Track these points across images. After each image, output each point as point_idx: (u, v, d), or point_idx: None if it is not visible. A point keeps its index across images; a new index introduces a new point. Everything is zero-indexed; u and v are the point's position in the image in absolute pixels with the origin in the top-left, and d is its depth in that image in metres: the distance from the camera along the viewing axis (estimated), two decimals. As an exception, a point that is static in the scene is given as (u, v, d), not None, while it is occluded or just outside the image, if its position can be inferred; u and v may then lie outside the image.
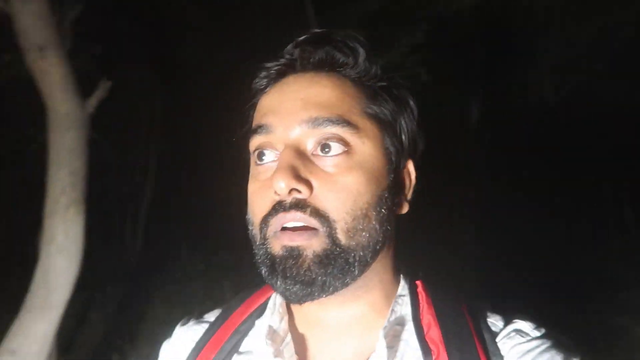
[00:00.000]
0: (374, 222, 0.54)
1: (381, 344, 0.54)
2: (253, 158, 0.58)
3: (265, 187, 0.55)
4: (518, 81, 7.89)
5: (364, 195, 0.54)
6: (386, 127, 0.58)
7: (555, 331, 0.59)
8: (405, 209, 0.61)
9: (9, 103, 5.96)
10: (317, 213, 0.52)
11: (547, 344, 0.55)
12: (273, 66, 0.60)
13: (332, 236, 0.52)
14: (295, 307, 0.60)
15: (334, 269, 0.52)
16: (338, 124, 0.54)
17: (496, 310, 0.60)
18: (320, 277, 0.52)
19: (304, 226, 0.53)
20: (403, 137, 0.60)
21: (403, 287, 0.60)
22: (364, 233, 0.53)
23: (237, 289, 6.74)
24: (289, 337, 0.59)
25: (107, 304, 6.55)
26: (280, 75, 0.60)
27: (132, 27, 6.38)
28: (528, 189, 7.47)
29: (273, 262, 0.53)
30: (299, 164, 0.53)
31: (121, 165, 8.51)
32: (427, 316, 0.57)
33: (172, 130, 8.70)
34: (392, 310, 0.57)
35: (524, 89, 7.99)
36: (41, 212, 4.28)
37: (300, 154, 0.54)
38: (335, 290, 0.53)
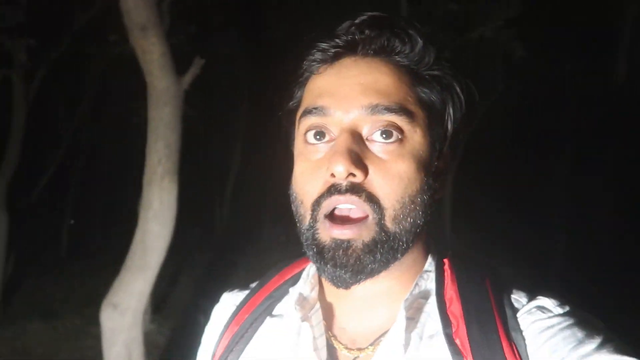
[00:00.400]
0: (418, 209, 0.56)
1: (401, 314, 0.56)
2: (302, 137, 0.59)
3: (317, 167, 0.57)
4: (611, 59, 7.23)
5: (414, 183, 0.55)
6: (435, 115, 0.59)
7: (580, 309, 0.57)
8: (441, 193, 0.62)
9: (116, 79, 6.44)
10: (371, 199, 0.54)
11: (569, 321, 0.54)
12: (330, 47, 0.59)
13: (380, 224, 0.54)
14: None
15: (382, 256, 0.54)
16: (396, 112, 0.55)
17: (522, 287, 0.59)
18: (369, 265, 0.54)
19: (352, 217, 0.55)
20: (449, 125, 0.60)
21: (430, 264, 0.61)
22: (409, 219, 0.55)
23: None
24: (317, 305, 0.62)
25: (195, 270, 7.00)
26: (337, 57, 0.60)
27: (222, 7, 6.60)
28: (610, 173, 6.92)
29: (321, 250, 0.55)
30: (357, 149, 0.54)
31: (209, 140, 8.92)
32: (450, 291, 0.57)
33: (258, 106, 8.96)
34: (416, 284, 0.59)
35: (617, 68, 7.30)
36: (140, 180, 4.65)
37: (357, 138, 0.55)
38: (379, 273, 0.56)
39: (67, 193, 8.52)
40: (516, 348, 0.52)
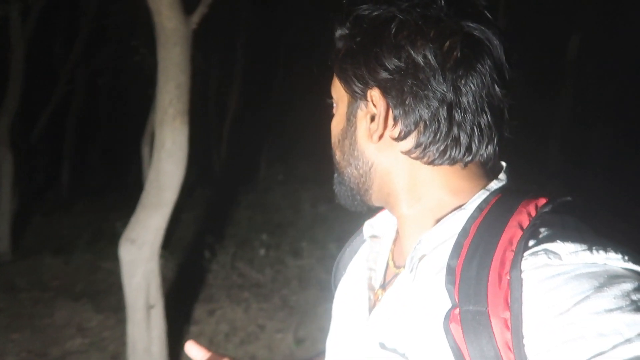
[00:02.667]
0: (345, 156, 0.68)
1: (419, 245, 0.61)
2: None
3: None
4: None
5: (335, 137, 0.69)
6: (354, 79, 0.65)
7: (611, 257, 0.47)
8: (377, 136, 0.62)
9: (118, 18, 6.30)
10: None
11: (579, 270, 0.46)
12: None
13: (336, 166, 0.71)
14: None
15: (342, 190, 0.70)
16: (333, 84, 0.68)
17: (560, 229, 0.51)
18: (339, 197, 0.71)
19: None
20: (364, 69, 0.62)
21: (471, 202, 0.59)
22: (342, 162, 0.68)
23: (314, 198, 7.11)
24: (394, 228, 0.73)
25: (196, 208, 7.17)
26: None
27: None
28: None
29: None
30: None
31: (206, 79, 8.83)
32: (475, 226, 0.56)
33: (256, 48, 8.82)
34: (445, 220, 0.60)
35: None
36: (145, 120, 4.67)
37: None
38: (360, 204, 0.69)
39: (65, 133, 8.53)
40: (507, 289, 0.48)
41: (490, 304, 0.48)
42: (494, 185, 0.62)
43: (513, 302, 0.47)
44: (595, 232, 0.52)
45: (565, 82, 6.67)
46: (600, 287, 0.44)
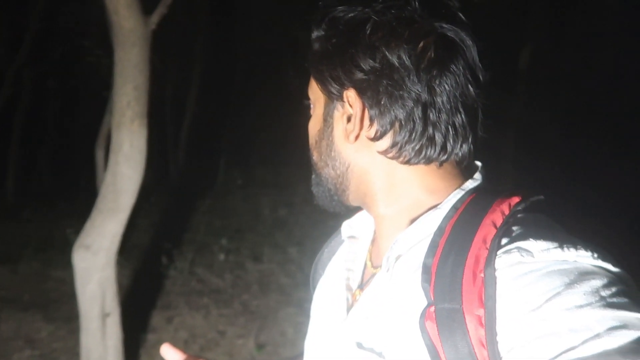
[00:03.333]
0: (323, 157, 0.68)
1: (394, 245, 0.61)
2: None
3: None
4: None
5: (313, 138, 0.69)
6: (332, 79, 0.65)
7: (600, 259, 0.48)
8: (353, 136, 0.62)
9: (71, 17, 6.07)
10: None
11: (551, 267, 0.47)
12: None
13: (314, 167, 0.71)
14: None
15: (319, 191, 0.71)
16: (310, 86, 0.69)
17: (532, 227, 0.53)
18: (317, 197, 0.72)
19: None
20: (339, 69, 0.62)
21: (446, 202, 0.60)
22: (320, 163, 0.69)
23: (274, 203, 7.08)
24: (371, 229, 0.73)
25: (152, 213, 6.99)
26: None
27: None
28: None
29: None
30: None
31: (163, 83, 8.66)
32: (450, 225, 0.57)
33: (214, 52, 8.71)
34: (421, 219, 0.61)
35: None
36: (99, 120, 4.52)
37: None
38: (338, 204, 0.70)
39: (10, 135, 8.14)
40: (482, 286, 0.48)
41: (465, 302, 0.49)
42: (469, 184, 0.63)
43: (487, 300, 0.48)
44: (566, 231, 0.53)
45: (517, 89, 6.97)
46: (571, 284, 0.45)
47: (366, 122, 0.61)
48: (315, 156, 0.69)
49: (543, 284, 0.46)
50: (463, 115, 0.60)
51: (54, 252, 5.13)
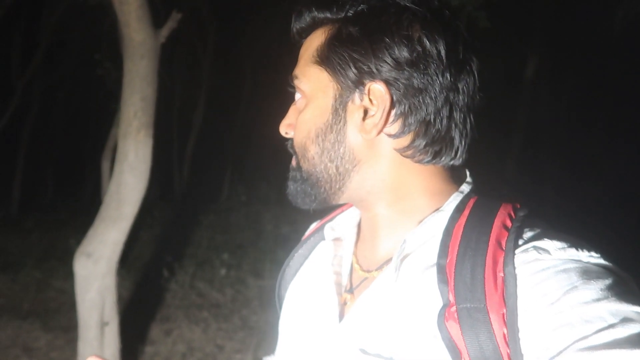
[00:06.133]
0: (319, 152, 0.63)
1: (402, 246, 0.59)
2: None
3: None
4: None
5: (308, 132, 0.64)
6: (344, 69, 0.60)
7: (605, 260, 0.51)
8: (375, 131, 0.59)
9: (82, 30, 6.19)
10: (292, 146, 0.67)
11: (567, 264, 0.49)
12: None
13: (298, 164, 0.66)
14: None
15: (300, 188, 0.65)
16: (297, 76, 0.63)
17: (541, 228, 0.55)
18: (293, 194, 0.66)
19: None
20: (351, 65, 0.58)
21: (448, 204, 0.60)
22: (312, 160, 0.63)
23: (276, 219, 7.07)
24: (353, 231, 0.70)
25: (155, 227, 7.00)
26: None
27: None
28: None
29: None
30: (292, 111, 0.67)
31: (170, 97, 8.76)
32: (459, 227, 0.57)
33: (221, 69, 8.82)
34: (426, 221, 0.60)
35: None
36: (106, 133, 4.57)
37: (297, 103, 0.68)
38: (319, 203, 0.65)
39: (19, 146, 8.22)
40: (502, 285, 0.50)
41: (489, 301, 0.49)
42: (466, 188, 0.62)
43: (508, 298, 0.49)
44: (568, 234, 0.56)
45: (523, 96, 7.08)
46: (587, 280, 0.47)
47: (391, 117, 0.58)
48: (312, 151, 0.62)
49: (560, 278, 0.48)
50: (472, 118, 0.61)
51: (56, 262, 5.14)
